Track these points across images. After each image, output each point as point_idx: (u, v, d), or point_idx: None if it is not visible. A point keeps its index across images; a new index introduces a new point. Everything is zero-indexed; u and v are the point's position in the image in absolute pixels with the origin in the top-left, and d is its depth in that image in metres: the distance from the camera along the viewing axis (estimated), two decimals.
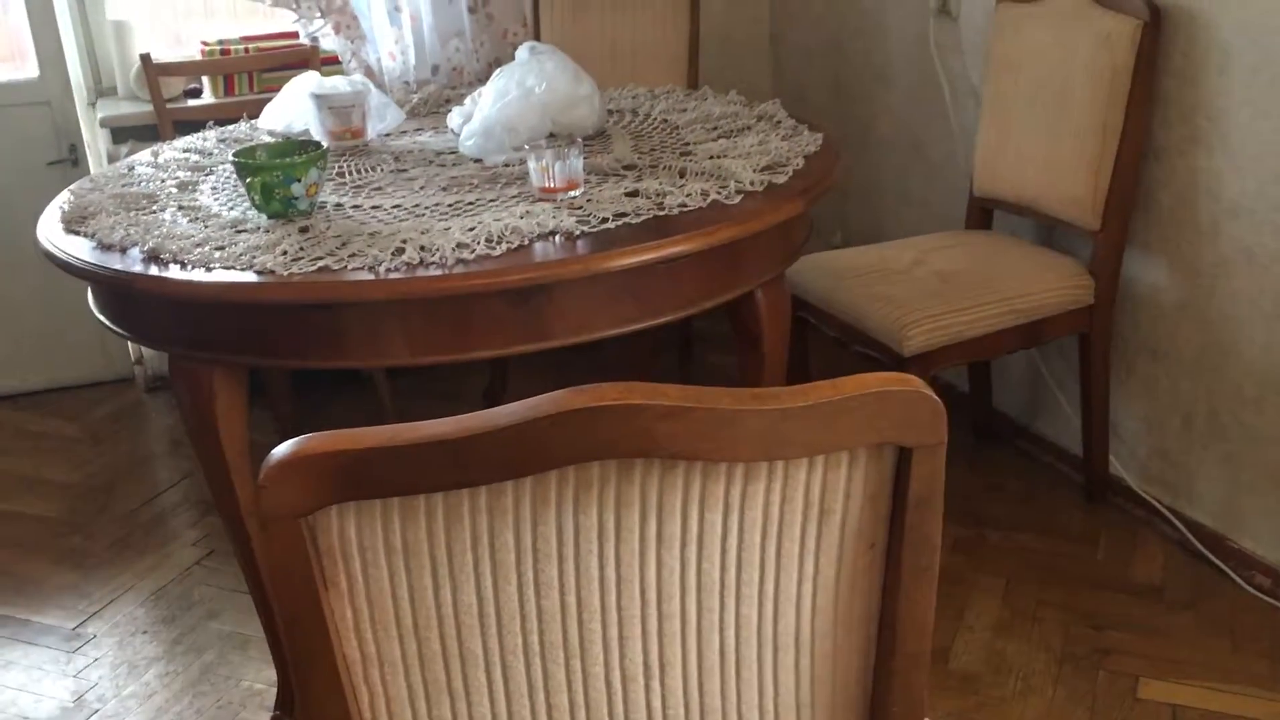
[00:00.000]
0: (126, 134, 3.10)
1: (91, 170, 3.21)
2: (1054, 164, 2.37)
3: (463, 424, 0.75)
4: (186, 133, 2.48)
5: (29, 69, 3.22)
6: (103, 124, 3.13)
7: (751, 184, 1.76)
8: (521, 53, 2.10)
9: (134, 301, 1.68)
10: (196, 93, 3.24)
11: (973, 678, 2.05)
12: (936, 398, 0.79)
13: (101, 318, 1.77)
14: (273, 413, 2.96)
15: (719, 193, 1.73)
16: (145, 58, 2.91)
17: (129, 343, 3.44)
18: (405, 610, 0.82)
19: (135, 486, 2.90)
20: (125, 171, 2.09)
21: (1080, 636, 2.13)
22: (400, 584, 0.81)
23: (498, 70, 2.08)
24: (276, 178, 1.70)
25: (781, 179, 1.80)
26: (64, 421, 3.26)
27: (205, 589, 2.47)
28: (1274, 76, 2.03)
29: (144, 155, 2.21)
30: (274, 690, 2.07)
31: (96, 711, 2.11)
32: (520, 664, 0.85)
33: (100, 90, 3.31)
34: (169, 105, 2.99)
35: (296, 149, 1.81)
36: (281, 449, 0.75)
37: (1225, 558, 2.28)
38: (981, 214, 2.64)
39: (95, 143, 3.24)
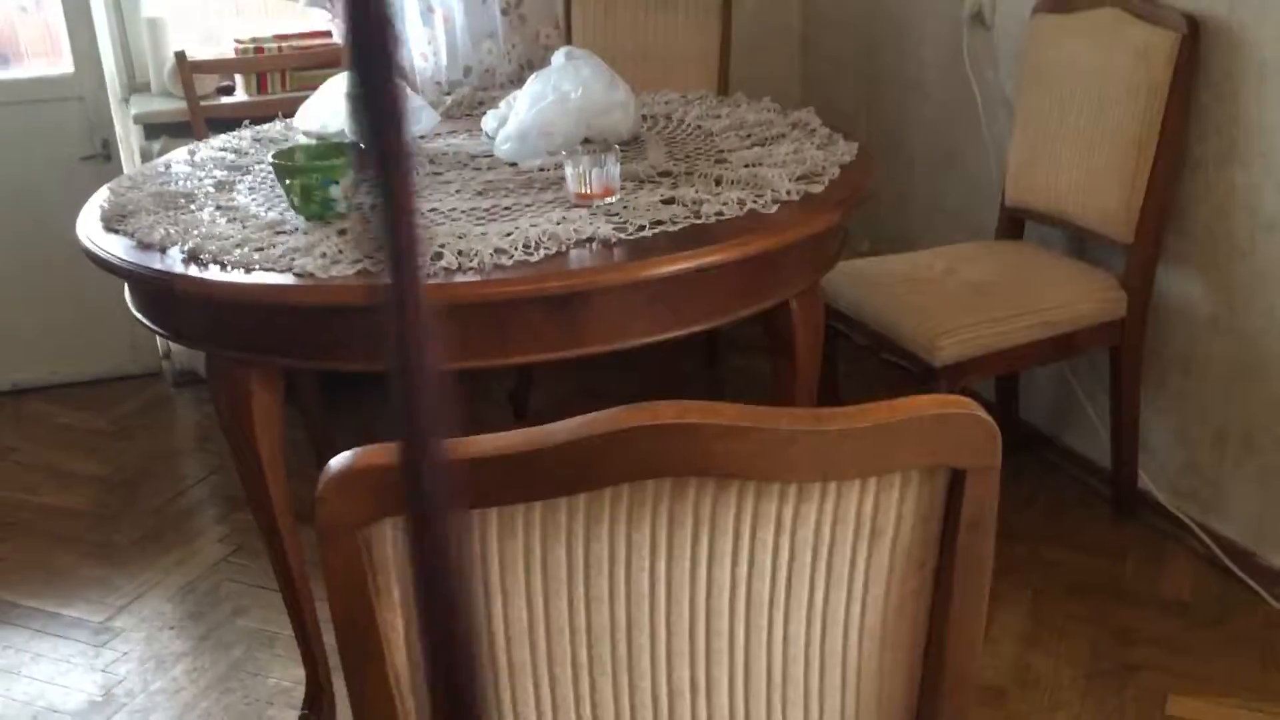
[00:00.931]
0: (159, 130, 3.12)
1: (124, 166, 3.23)
2: (1088, 176, 2.36)
3: (519, 439, 0.75)
4: (219, 130, 2.50)
5: (64, 64, 3.24)
6: (136, 120, 3.15)
7: (788, 193, 1.76)
8: (557, 57, 2.11)
9: (174, 302, 1.69)
10: (230, 90, 3.26)
11: (1000, 691, 2.04)
12: (991, 420, 0.79)
13: (140, 316, 1.78)
14: (300, 409, 2.97)
15: (755, 201, 1.73)
16: (180, 55, 2.93)
17: (156, 337, 3.46)
18: None
19: (162, 481, 2.92)
20: (163, 170, 2.10)
21: (1108, 652, 2.12)
22: None
23: (533, 74, 2.09)
24: (315, 180, 1.71)
25: (818, 188, 1.80)
26: (92, 415, 3.28)
27: (232, 585, 2.48)
28: None
29: (180, 154, 2.22)
30: (301, 688, 2.08)
31: (124, 706, 2.13)
32: (568, 677, 0.85)
33: (134, 86, 3.33)
34: (202, 102, 3.00)
35: (335, 151, 1.82)
36: (339, 461, 0.76)
37: (1255, 575, 2.27)
38: (1012, 224, 2.63)
39: (128, 138, 3.25)
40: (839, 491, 0.81)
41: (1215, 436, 2.34)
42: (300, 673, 2.10)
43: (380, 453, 0.76)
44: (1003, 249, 2.56)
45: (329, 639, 1.97)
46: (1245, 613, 2.21)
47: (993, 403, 2.81)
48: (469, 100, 2.51)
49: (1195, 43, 2.18)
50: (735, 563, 0.82)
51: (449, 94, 2.58)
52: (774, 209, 1.73)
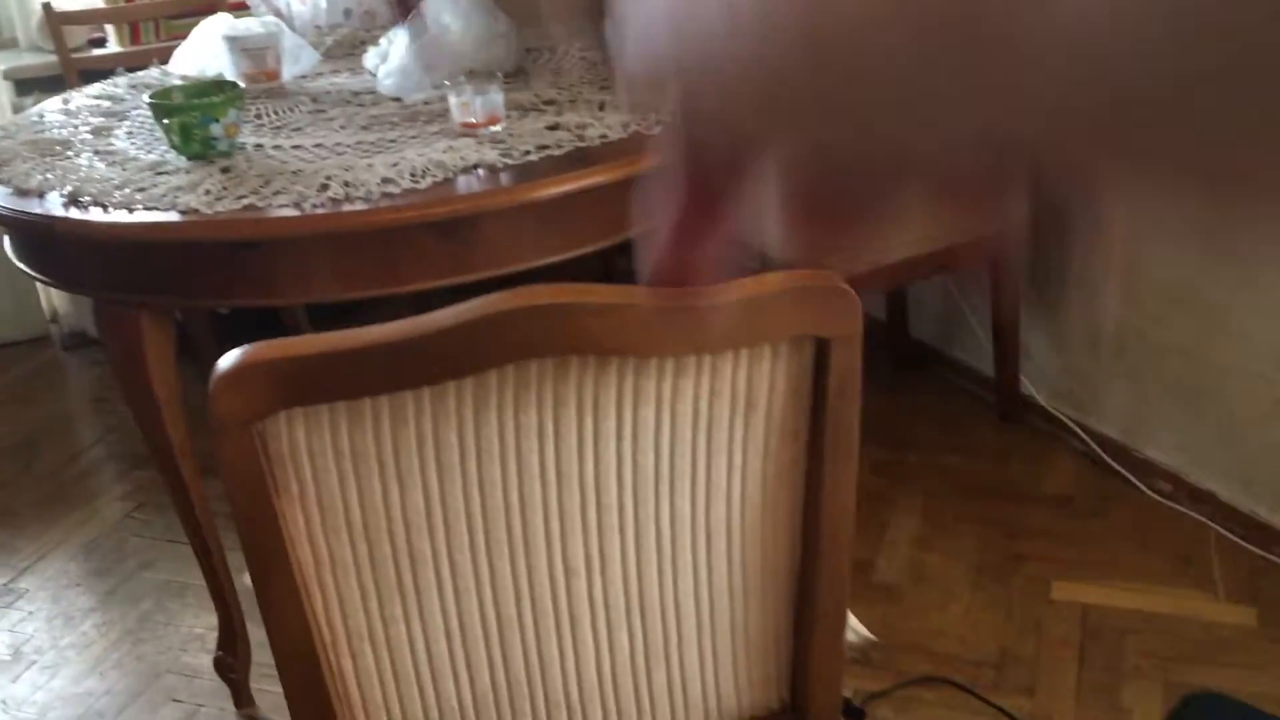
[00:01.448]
0: (30, 86, 3.04)
1: None
2: None
3: (403, 327, 0.78)
4: (92, 82, 2.44)
5: None
6: (5, 76, 3.05)
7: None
8: None
9: (56, 246, 1.67)
10: (101, 42, 3.17)
11: (895, 589, 2.14)
12: (852, 291, 0.84)
13: (22, 266, 1.76)
14: (198, 366, 2.94)
15: (639, 123, 1.76)
16: (47, 7, 2.85)
17: (42, 300, 3.38)
18: (355, 513, 0.86)
19: (58, 444, 2.87)
20: (36, 119, 2.06)
21: (996, 545, 2.23)
22: (349, 487, 0.85)
23: (414, 10, 2.08)
24: (195, 118, 1.70)
25: None
26: None
27: (138, 540, 2.46)
28: None
29: (54, 103, 2.17)
30: (214, 634, 2.09)
31: (34, 663, 2.11)
32: (467, 561, 0.89)
33: (1, 42, 3.22)
34: (74, 55, 2.92)
35: (214, 89, 1.80)
36: (229, 357, 0.78)
37: (1131, 467, 2.40)
38: None
39: None
40: (714, 366, 0.85)
41: (1090, 339, 2.46)
42: (213, 619, 2.11)
43: (271, 348, 0.78)
44: None
45: (242, 581, 1.98)
46: (1122, 503, 2.33)
47: (882, 321, 2.90)
48: (350, 40, 2.49)
49: None
50: (620, 440, 0.87)
51: (329, 34, 2.55)
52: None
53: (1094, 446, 2.46)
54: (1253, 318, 2.09)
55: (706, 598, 0.96)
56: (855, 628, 1.36)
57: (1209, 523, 2.24)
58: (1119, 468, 2.41)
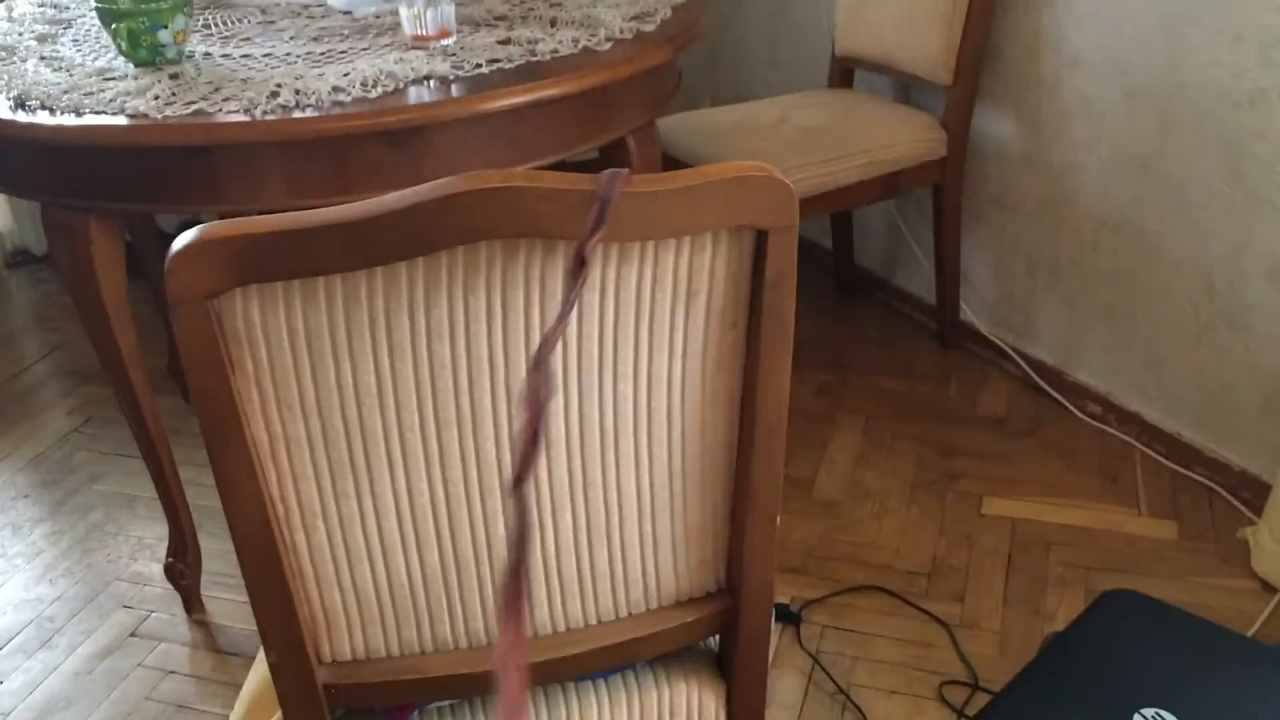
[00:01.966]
0: None
1: None
2: (910, 22, 2.47)
3: (356, 208, 0.81)
4: None
5: None
6: None
7: (621, 31, 1.82)
8: None
9: (3, 151, 1.66)
10: None
11: (834, 504, 2.21)
12: (788, 183, 0.88)
13: None
14: (148, 284, 2.93)
15: (589, 40, 1.78)
16: None
17: None
18: (309, 391, 0.89)
19: (3, 360, 2.86)
20: None
21: (931, 464, 2.31)
22: (303, 365, 0.88)
23: None
24: (142, 24, 1.69)
25: (650, 27, 1.85)
26: None
27: (85, 454, 2.47)
28: None
29: None
30: (164, 544, 2.12)
31: None
32: (417, 439, 0.92)
33: None
34: None
35: None
36: (186, 235, 0.80)
37: (1063, 390, 2.48)
38: (843, 74, 2.73)
39: None
40: (656, 254, 0.89)
41: (1027, 267, 2.52)
42: (163, 530, 2.14)
43: (227, 225, 0.80)
44: (832, 97, 2.67)
45: (192, 497, 2.01)
46: (1054, 424, 2.42)
47: (829, 249, 2.95)
48: None
49: None
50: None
51: None
52: (608, 46, 1.78)
53: (1029, 370, 2.54)
54: (1181, 244, 2.17)
55: (647, 481, 1.00)
56: None
57: (1134, 443, 2.33)
58: (1051, 391, 2.49)
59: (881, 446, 2.37)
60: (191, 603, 2.01)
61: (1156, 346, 2.28)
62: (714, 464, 1.01)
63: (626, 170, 0.83)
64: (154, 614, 2.01)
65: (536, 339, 0.90)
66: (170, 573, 2.01)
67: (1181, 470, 2.24)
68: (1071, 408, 2.45)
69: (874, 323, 2.85)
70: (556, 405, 0.94)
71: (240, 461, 0.90)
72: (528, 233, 0.83)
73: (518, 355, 0.91)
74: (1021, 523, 2.13)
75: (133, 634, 1.97)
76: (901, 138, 2.44)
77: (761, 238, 0.91)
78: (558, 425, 0.95)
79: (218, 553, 2.09)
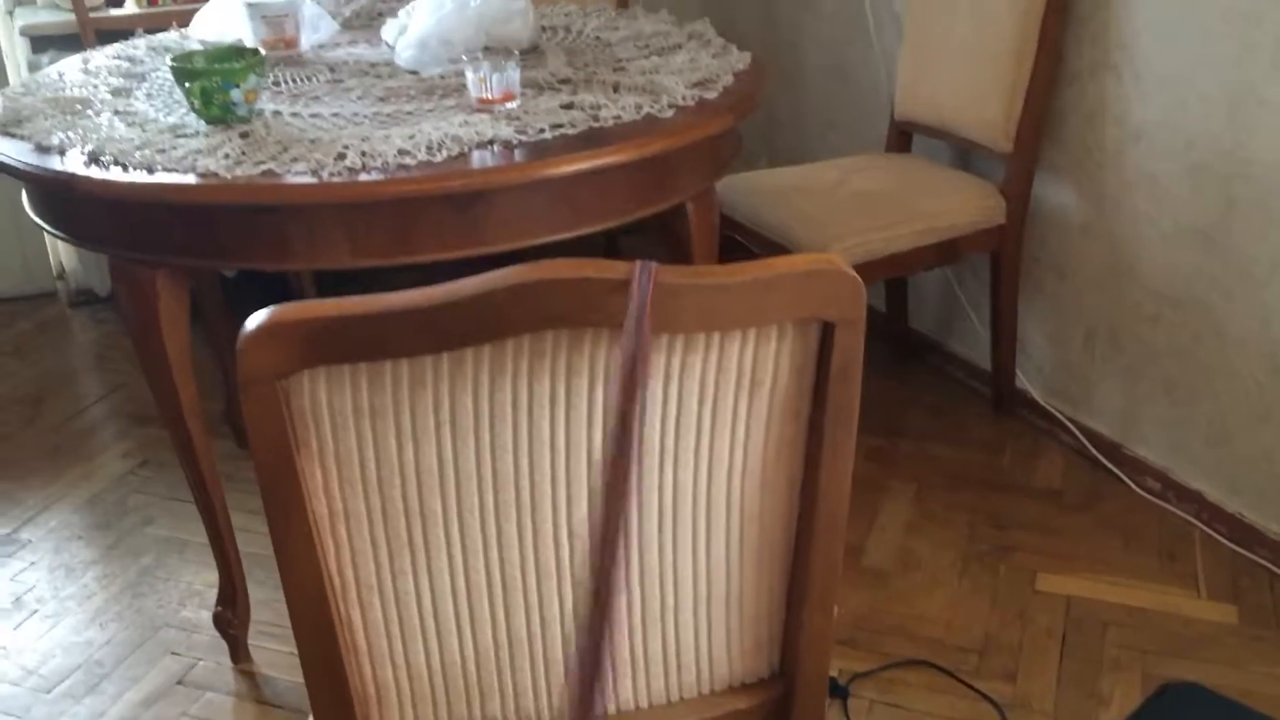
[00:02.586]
0: (46, 43, 3.05)
1: (10, 80, 3.15)
2: (970, 88, 2.46)
3: (426, 294, 0.81)
4: (109, 42, 2.46)
5: None
6: (22, 32, 3.07)
7: (683, 98, 1.83)
8: None
9: (75, 204, 1.70)
10: (119, 2, 3.19)
11: (884, 573, 2.18)
12: (856, 276, 0.87)
13: (40, 221, 1.79)
14: (207, 330, 2.97)
15: (652, 106, 1.79)
16: None
17: (50, 257, 3.40)
18: (371, 470, 0.89)
19: (63, 399, 2.91)
20: (56, 77, 2.08)
21: (984, 536, 2.27)
22: (367, 445, 0.88)
23: None
24: (215, 83, 1.72)
25: (712, 94, 1.86)
26: None
27: (139, 497, 2.50)
28: (1181, 4, 2.13)
29: (74, 61, 2.20)
30: (213, 591, 2.12)
31: (35, 612, 2.15)
32: (476, 521, 0.92)
33: None
34: (91, 14, 2.94)
35: (235, 54, 1.83)
36: (259, 315, 0.81)
37: (1120, 464, 2.44)
38: (901, 137, 2.73)
39: (14, 52, 3.17)
40: (721, 344, 0.89)
41: (1086, 337, 2.49)
42: (212, 576, 2.15)
43: (298, 308, 0.81)
44: (891, 161, 2.66)
45: (242, 543, 2.02)
46: (1111, 499, 2.37)
47: (884, 312, 2.93)
48: (368, 10, 2.51)
49: None
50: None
51: (347, 4, 2.57)
52: (670, 113, 1.79)
53: (1085, 442, 2.50)
54: (1245, 321, 2.13)
55: (704, 567, 0.99)
56: None
57: (1194, 521, 2.28)
58: (1109, 464, 2.45)
59: (933, 516, 2.34)
60: (238, 652, 2.02)
61: (1219, 424, 2.23)
62: (772, 551, 1.00)
63: (654, 264, 0.82)
64: (201, 662, 2.02)
65: (599, 426, 0.90)
66: (219, 621, 2.02)
67: (1243, 552, 2.19)
68: (1129, 482, 2.41)
69: (927, 387, 2.83)
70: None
71: (300, 536, 0.90)
72: (594, 323, 0.83)
73: (579, 440, 0.91)
74: (1077, 601, 2.09)
75: (179, 682, 1.98)
76: (960, 205, 2.43)
77: (828, 329, 0.90)
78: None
79: (266, 601, 2.10)
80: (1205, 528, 2.26)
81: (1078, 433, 2.52)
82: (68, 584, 2.22)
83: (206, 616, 2.09)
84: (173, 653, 2.04)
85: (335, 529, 0.91)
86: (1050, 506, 2.36)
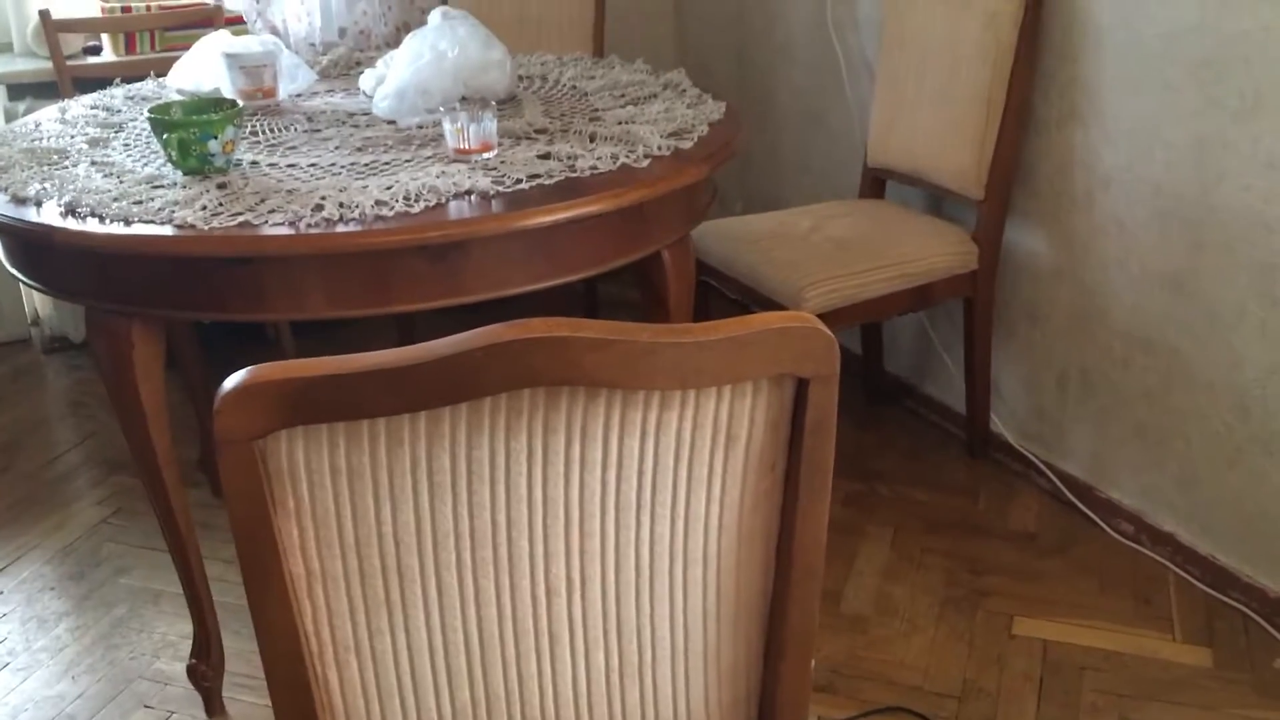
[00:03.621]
0: (24, 91, 3.06)
1: None
2: (942, 136, 2.50)
3: (403, 354, 0.82)
4: (86, 91, 2.47)
5: None
6: None
7: (659, 149, 1.85)
8: (434, 17, 2.15)
9: (52, 255, 1.69)
10: (96, 50, 3.20)
11: (862, 619, 2.18)
12: (830, 333, 0.89)
13: (16, 272, 1.78)
14: (182, 376, 2.96)
15: (628, 156, 1.81)
16: (44, 14, 2.88)
17: (25, 303, 3.39)
18: (348, 529, 0.89)
19: (36, 447, 2.88)
20: (33, 127, 2.08)
21: (961, 580, 2.28)
22: (344, 504, 0.88)
23: (410, 33, 2.12)
24: (193, 134, 1.73)
25: (687, 144, 1.89)
26: None
27: (113, 546, 2.48)
28: (1143, 55, 2.18)
29: (50, 111, 2.20)
30: (188, 643, 2.10)
31: (7, 665, 2.12)
32: (454, 579, 0.92)
33: None
34: (69, 62, 2.95)
35: (212, 106, 1.84)
36: (235, 377, 0.82)
37: (1094, 507, 2.45)
38: (875, 183, 2.76)
39: None
40: (697, 400, 0.89)
41: (1058, 380, 2.52)
42: (186, 627, 2.13)
43: (272, 369, 0.82)
44: (864, 207, 2.69)
45: (217, 593, 2.01)
46: (1085, 542, 2.39)
47: (859, 355, 2.95)
48: (345, 60, 2.53)
49: (1039, 8, 2.33)
50: (605, 468, 0.91)
51: (324, 54, 2.59)
52: (646, 163, 1.81)
53: (1059, 485, 2.52)
54: (1213, 365, 2.16)
55: (681, 621, 0.99)
56: None
57: (1168, 564, 2.30)
58: (1083, 507, 2.47)
59: (910, 560, 2.35)
60: (213, 704, 2.00)
61: (1190, 467, 2.26)
62: (749, 604, 1.01)
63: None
64: (174, 715, 2.00)
65: (576, 482, 0.91)
66: (193, 674, 2.00)
67: (1216, 595, 2.20)
68: (1103, 525, 2.42)
69: (902, 430, 2.85)
70: (593, 546, 0.94)
71: (277, 596, 0.90)
72: (571, 381, 0.84)
73: (556, 497, 0.91)
74: (1053, 645, 2.09)
75: None
76: (933, 251, 2.45)
77: (802, 384, 0.91)
78: (593, 565, 0.95)
79: (241, 652, 2.08)
80: (1179, 570, 2.28)
81: (1052, 475, 2.54)
82: (40, 636, 2.20)
83: (180, 668, 2.07)
84: (146, 705, 2.02)
85: (312, 589, 0.91)
86: (1025, 550, 2.37)
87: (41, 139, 2.00)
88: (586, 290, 3.37)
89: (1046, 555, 2.35)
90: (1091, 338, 2.41)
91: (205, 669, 1.99)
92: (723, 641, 1.02)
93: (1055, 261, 2.46)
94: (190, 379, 2.78)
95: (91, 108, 2.21)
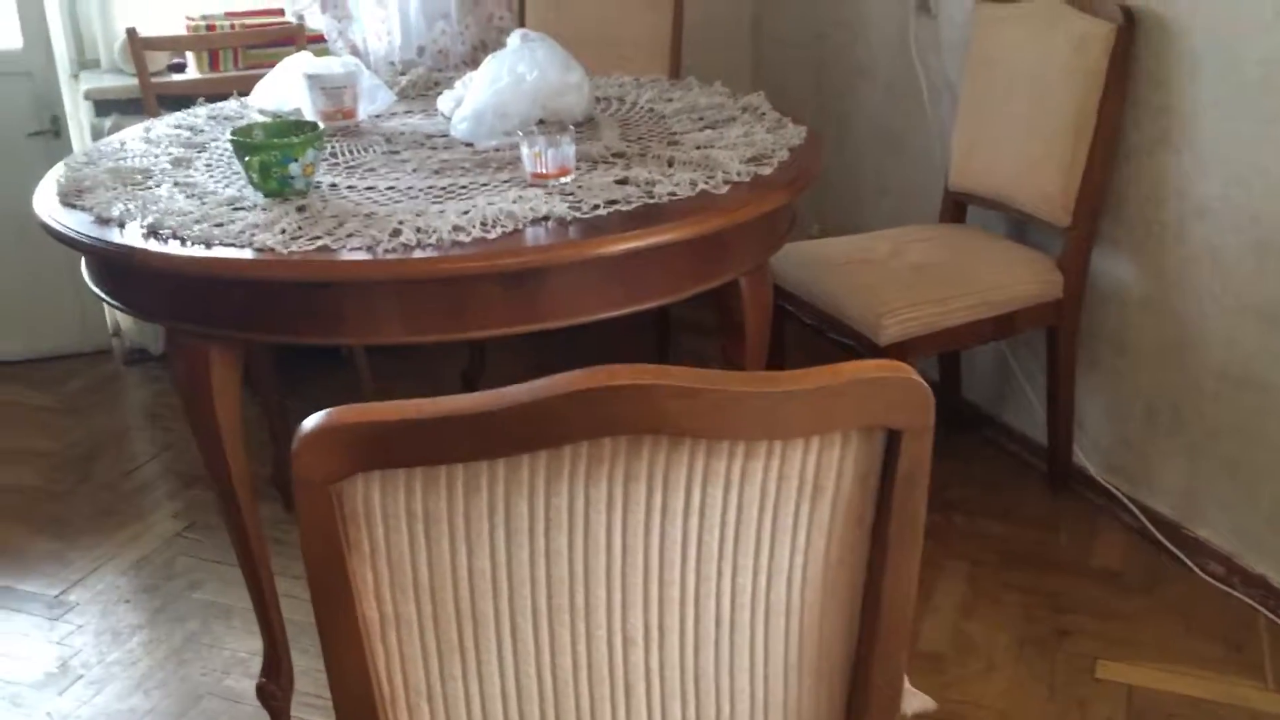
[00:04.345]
0: (110, 107, 3.12)
1: (73, 143, 3.21)
2: (1027, 161, 2.44)
3: (483, 400, 0.80)
4: (171, 107, 2.50)
5: (12, 40, 3.22)
6: (86, 96, 3.13)
7: (738, 175, 1.82)
8: (513, 40, 2.14)
9: (133, 276, 1.71)
10: (180, 68, 3.25)
11: (939, 658, 2.12)
12: (925, 384, 0.85)
13: (99, 291, 1.80)
14: (255, 390, 2.99)
15: (707, 182, 1.78)
16: (131, 31, 2.93)
17: (106, 315, 3.45)
18: (423, 573, 0.87)
19: (115, 458, 2.92)
20: (118, 146, 2.11)
21: (1041, 618, 2.21)
22: (419, 548, 0.86)
23: (490, 56, 2.12)
24: (274, 157, 1.74)
25: (767, 170, 1.85)
26: (40, 392, 3.27)
27: (187, 560, 2.50)
28: (1241, 81, 2.10)
29: (135, 130, 2.23)
30: (258, 659, 2.11)
31: (81, 677, 2.15)
32: (529, 626, 0.90)
33: (83, 63, 3.31)
34: (153, 79, 3.00)
35: (293, 129, 1.85)
36: (314, 419, 0.80)
37: (1181, 545, 2.37)
38: (956, 208, 2.70)
39: (78, 114, 3.24)
40: (784, 450, 0.86)
41: (1146, 413, 2.44)
42: (257, 644, 2.13)
43: (351, 412, 0.80)
44: (946, 232, 2.64)
45: (287, 610, 2.01)
46: (1172, 581, 2.31)
47: (936, 382, 2.89)
48: (424, 80, 2.54)
49: (1131, 33, 2.26)
50: (686, 517, 0.88)
51: (403, 74, 2.60)
52: (725, 189, 1.78)
53: (1145, 522, 2.44)
54: None
55: (762, 675, 0.96)
56: (912, 692, 1.35)
57: (1260, 608, 2.21)
58: (1170, 545, 2.39)
59: (988, 596, 2.29)
60: None
61: None
62: (831, 659, 0.97)
63: None
64: None
65: (657, 531, 0.88)
66: (262, 693, 2.00)
67: None
68: (1192, 565, 2.34)
69: (980, 460, 2.78)
70: (672, 595, 0.91)
71: (349, 638, 0.88)
72: (655, 430, 0.81)
73: (636, 546, 0.88)
74: (1139, 690, 2.02)
75: None
76: (1016, 279, 2.39)
77: (894, 436, 0.87)
78: (672, 616, 0.92)
79: (309, 671, 2.08)
80: (1272, 615, 2.19)
81: (1137, 512, 2.46)
82: (113, 649, 2.22)
83: (250, 686, 2.07)
84: None
85: (385, 634, 0.89)
86: (1109, 589, 2.29)
87: (126, 158, 2.02)
88: (660, 315, 3.34)
89: (1131, 594, 2.27)
90: (1182, 370, 2.33)
91: (274, 688, 1.99)
92: (804, 695, 0.98)
93: (1144, 291, 2.39)
94: (264, 395, 2.81)
95: (175, 127, 2.24)
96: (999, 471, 2.72)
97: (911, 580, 0.92)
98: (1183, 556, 2.36)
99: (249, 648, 2.19)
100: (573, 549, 0.87)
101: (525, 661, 0.92)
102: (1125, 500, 2.49)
